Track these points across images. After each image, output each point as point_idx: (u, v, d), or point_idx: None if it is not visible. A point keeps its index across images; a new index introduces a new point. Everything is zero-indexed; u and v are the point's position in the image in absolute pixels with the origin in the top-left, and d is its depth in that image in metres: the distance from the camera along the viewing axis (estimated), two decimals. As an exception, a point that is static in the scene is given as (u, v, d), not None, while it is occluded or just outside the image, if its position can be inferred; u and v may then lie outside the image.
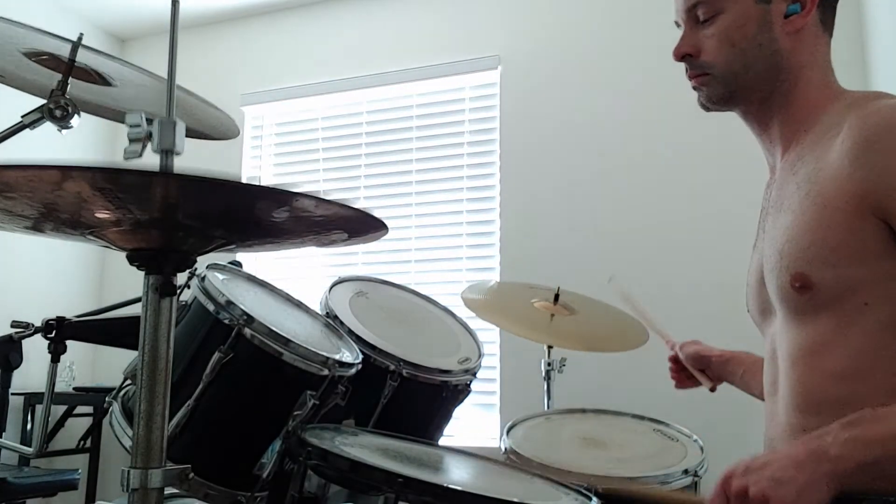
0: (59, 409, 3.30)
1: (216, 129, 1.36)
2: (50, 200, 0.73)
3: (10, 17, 1.11)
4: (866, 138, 0.88)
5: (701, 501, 0.88)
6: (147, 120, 0.85)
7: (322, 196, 0.72)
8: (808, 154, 0.97)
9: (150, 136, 0.85)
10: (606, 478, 1.35)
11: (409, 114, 3.43)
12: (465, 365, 1.62)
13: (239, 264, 1.46)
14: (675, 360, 1.41)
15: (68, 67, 1.15)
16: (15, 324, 1.30)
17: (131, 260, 0.84)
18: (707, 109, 1.10)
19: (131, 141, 0.84)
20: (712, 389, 1.33)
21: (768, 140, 1.09)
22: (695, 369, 1.37)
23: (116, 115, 1.27)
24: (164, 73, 0.92)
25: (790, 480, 0.78)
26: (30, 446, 1.33)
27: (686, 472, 1.42)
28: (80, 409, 3.37)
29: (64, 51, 1.15)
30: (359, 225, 0.88)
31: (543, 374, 2.10)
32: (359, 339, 1.47)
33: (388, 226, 0.86)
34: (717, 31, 1.04)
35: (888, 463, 0.79)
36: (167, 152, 0.82)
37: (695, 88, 1.09)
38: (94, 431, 3.23)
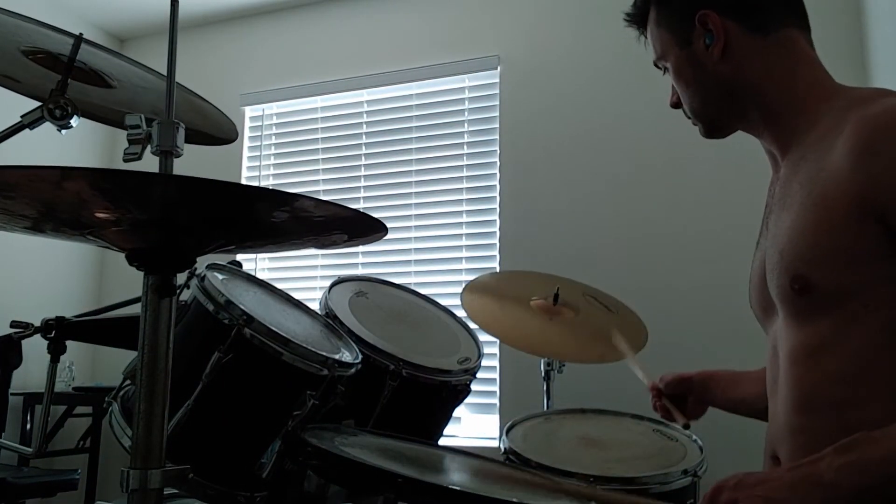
0: (58, 409, 3.30)
1: (217, 129, 1.36)
2: (50, 200, 0.73)
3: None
4: (868, 140, 0.88)
5: None
6: (147, 120, 0.85)
7: (320, 198, 0.72)
8: (811, 153, 0.97)
9: (149, 138, 0.85)
10: (606, 478, 1.35)
11: (408, 114, 3.43)
12: (464, 365, 1.62)
13: (238, 264, 1.46)
14: (657, 393, 1.37)
15: (68, 66, 1.15)
16: (14, 324, 1.29)
17: (130, 260, 0.84)
18: (715, 139, 1.15)
19: (131, 142, 0.84)
20: (685, 426, 1.31)
21: (768, 143, 1.09)
22: (671, 403, 1.34)
23: (116, 118, 1.27)
24: (163, 73, 0.92)
25: (781, 501, 0.79)
26: (29, 446, 1.33)
27: (685, 472, 1.42)
28: (79, 409, 3.37)
29: (64, 49, 1.15)
30: (358, 226, 0.88)
31: (543, 374, 2.11)
32: (358, 340, 1.47)
33: (388, 226, 0.87)
34: (673, 81, 1.12)
35: (884, 487, 0.79)
36: (167, 153, 0.83)
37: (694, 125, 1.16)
38: (94, 431, 3.22)
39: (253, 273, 2.21)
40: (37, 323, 1.27)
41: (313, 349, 1.22)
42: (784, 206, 0.99)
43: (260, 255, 3.57)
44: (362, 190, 3.45)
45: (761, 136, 1.09)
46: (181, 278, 1.19)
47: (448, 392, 1.59)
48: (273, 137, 3.71)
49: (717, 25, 1.03)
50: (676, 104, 1.15)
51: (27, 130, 1.16)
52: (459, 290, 1.98)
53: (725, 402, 1.30)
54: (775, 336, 1.04)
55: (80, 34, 1.15)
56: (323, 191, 3.52)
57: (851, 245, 0.88)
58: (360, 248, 3.36)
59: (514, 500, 0.93)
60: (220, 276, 1.32)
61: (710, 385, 1.32)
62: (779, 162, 1.07)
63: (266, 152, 3.71)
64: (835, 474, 0.79)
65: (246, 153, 3.72)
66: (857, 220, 0.87)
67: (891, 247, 0.87)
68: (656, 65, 1.15)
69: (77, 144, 3.76)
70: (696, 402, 1.34)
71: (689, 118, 1.14)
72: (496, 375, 3.03)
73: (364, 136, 3.50)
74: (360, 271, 3.36)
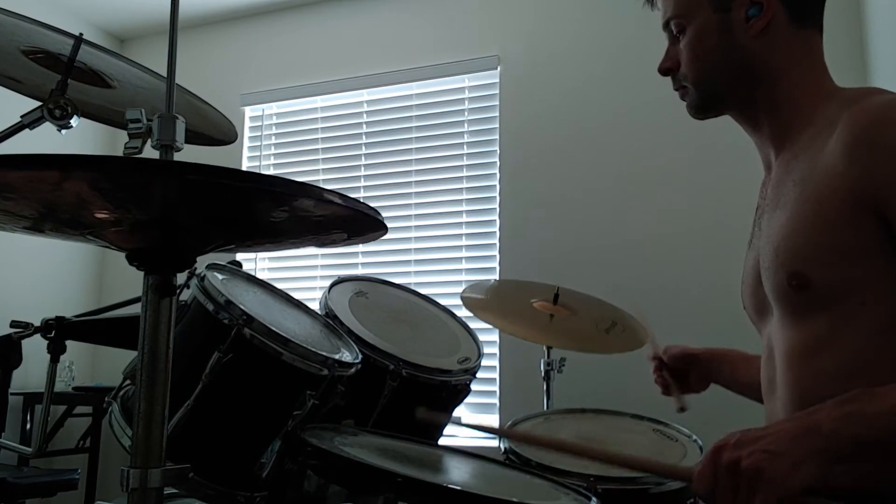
0: (58, 409, 3.30)
1: (216, 130, 1.36)
2: (49, 200, 0.73)
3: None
4: (860, 135, 0.88)
5: (689, 471, 0.87)
6: (147, 116, 0.85)
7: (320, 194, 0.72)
8: (803, 153, 0.97)
9: (149, 132, 0.85)
10: (606, 478, 1.35)
11: (408, 114, 3.43)
12: (464, 365, 1.62)
13: (238, 264, 1.46)
14: (659, 363, 1.36)
15: (68, 66, 1.15)
16: (14, 324, 1.29)
17: (130, 260, 0.84)
18: (697, 118, 1.12)
19: (131, 137, 0.84)
20: (681, 410, 1.30)
21: (760, 139, 1.09)
22: (673, 380, 1.33)
23: (116, 119, 1.27)
24: (163, 73, 0.93)
25: (785, 453, 0.78)
26: (29, 446, 1.33)
27: (685, 472, 1.42)
28: (79, 409, 3.37)
29: (64, 49, 1.15)
30: (358, 224, 0.88)
31: (543, 374, 2.10)
32: (358, 339, 1.47)
33: (388, 226, 0.87)
34: (685, 44, 1.07)
35: (883, 440, 0.79)
36: (167, 147, 0.83)
37: (682, 99, 1.12)
38: (94, 431, 3.23)
39: (253, 273, 2.21)
40: (37, 323, 1.27)
41: (313, 349, 1.22)
42: (777, 205, 0.99)
43: (260, 255, 3.57)
44: (362, 190, 3.45)
45: (757, 128, 1.07)
46: (181, 278, 1.19)
47: (448, 392, 1.59)
48: (273, 137, 3.71)
49: (771, 1, 1.01)
50: (668, 70, 1.10)
51: (27, 130, 1.16)
52: (459, 290, 1.98)
53: (732, 382, 1.29)
54: (770, 336, 1.04)
55: (80, 34, 1.15)
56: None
57: (847, 241, 0.89)
58: (360, 248, 3.36)
59: (514, 499, 0.93)
60: (220, 276, 1.32)
61: (717, 364, 1.31)
62: (771, 162, 1.07)
63: (266, 152, 3.71)
64: (833, 424, 0.79)
65: (246, 153, 3.72)
66: (853, 216, 0.88)
67: (888, 242, 0.87)
68: (668, 23, 1.09)
69: (77, 144, 3.76)
70: (699, 378, 1.34)
71: (681, 87, 1.09)
72: (496, 375, 3.03)
73: (364, 136, 3.50)
74: (360, 271, 3.36)
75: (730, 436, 0.83)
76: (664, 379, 1.34)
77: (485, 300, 2.02)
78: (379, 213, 0.81)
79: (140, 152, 0.86)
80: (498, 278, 3.09)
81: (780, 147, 1.04)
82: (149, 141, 0.85)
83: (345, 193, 0.72)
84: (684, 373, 1.34)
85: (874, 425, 0.79)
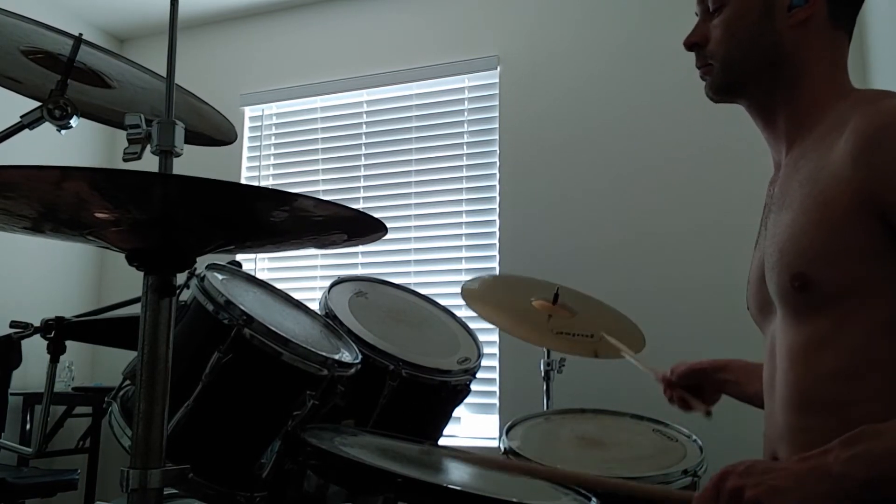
0: (58, 409, 3.30)
1: (216, 130, 1.36)
2: (49, 200, 0.73)
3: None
4: (869, 138, 0.88)
5: (689, 496, 0.87)
6: (146, 120, 0.85)
7: (320, 197, 0.72)
8: (812, 152, 0.97)
9: (149, 138, 0.85)
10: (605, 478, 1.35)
11: (408, 114, 3.43)
12: (464, 365, 1.62)
13: (238, 264, 1.46)
14: (668, 384, 1.35)
15: (68, 66, 1.15)
16: (14, 324, 1.29)
17: (130, 260, 0.84)
18: (713, 100, 1.11)
19: (130, 142, 0.84)
20: (707, 414, 1.29)
21: (773, 135, 1.08)
22: (688, 393, 1.32)
23: (116, 118, 1.27)
24: (163, 73, 0.93)
25: (788, 492, 0.79)
26: (29, 446, 1.33)
27: (685, 472, 1.43)
28: (79, 409, 3.37)
29: (64, 49, 1.15)
30: (358, 226, 0.88)
31: (542, 374, 2.11)
32: (358, 340, 1.47)
33: (388, 226, 0.87)
34: (721, 21, 1.05)
35: (889, 480, 0.79)
36: (166, 153, 0.83)
37: (702, 78, 1.10)
38: (94, 431, 3.22)
39: (253, 273, 2.21)
40: (37, 323, 1.27)
41: (313, 349, 1.22)
42: (783, 205, 0.99)
43: (260, 255, 3.57)
44: (362, 190, 3.45)
45: (771, 122, 1.07)
46: (181, 278, 1.19)
47: (447, 392, 1.59)
48: (273, 137, 3.71)
49: None
50: (695, 45, 1.08)
51: (27, 130, 1.16)
52: (459, 290, 1.98)
53: (740, 393, 1.28)
54: (773, 336, 1.04)
55: (80, 34, 1.15)
56: (323, 191, 3.52)
57: (852, 243, 0.88)
58: (360, 248, 3.36)
59: (514, 499, 0.93)
60: (220, 277, 1.32)
61: (724, 375, 1.31)
62: (780, 160, 1.07)
63: (266, 152, 3.71)
64: (842, 467, 0.79)
65: (246, 153, 3.72)
66: (858, 219, 0.88)
67: (891, 244, 0.87)
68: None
69: (77, 144, 3.76)
70: (710, 390, 1.33)
71: (705, 65, 1.07)
72: (496, 375, 3.02)
73: (364, 136, 3.50)
74: (359, 271, 3.35)
75: (738, 464, 0.83)
76: (681, 397, 1.31)
77: (484, 294, 2.02)
78: (370, 215, 0.81)
79: (139, 157, 0.86)
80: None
81: (791, 144, 1.04)
82: (148, 146, 0.85)
83: (345, 192, 0.72)
84: (696, 388, 1.33)
85: (880, 465, 0.79)
